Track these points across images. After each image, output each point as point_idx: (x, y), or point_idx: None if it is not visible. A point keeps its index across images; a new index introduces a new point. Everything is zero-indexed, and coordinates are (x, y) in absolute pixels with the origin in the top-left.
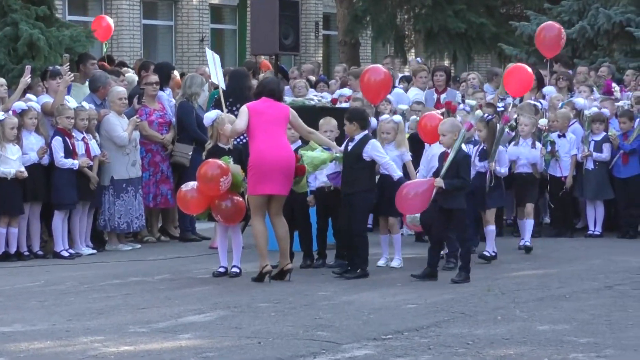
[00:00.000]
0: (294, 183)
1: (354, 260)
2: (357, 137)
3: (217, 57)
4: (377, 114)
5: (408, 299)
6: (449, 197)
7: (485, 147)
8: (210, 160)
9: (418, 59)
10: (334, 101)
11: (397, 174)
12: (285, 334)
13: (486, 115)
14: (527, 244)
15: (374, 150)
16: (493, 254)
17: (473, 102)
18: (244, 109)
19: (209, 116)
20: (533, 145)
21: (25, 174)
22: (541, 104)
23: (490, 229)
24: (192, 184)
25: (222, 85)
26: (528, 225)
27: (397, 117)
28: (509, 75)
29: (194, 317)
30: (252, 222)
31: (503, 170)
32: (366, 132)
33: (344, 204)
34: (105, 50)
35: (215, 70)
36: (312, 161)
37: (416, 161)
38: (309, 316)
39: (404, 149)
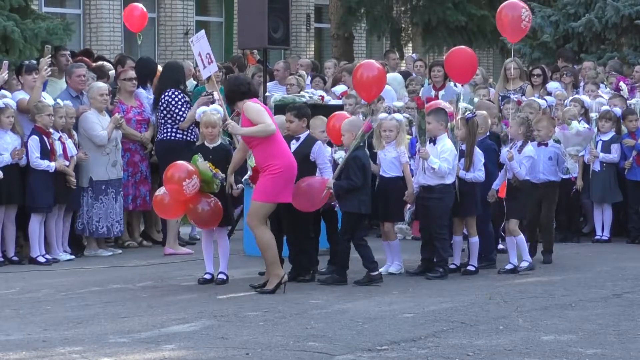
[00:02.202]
0: None
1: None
2: (303, 136)
3: (203, 40)
4: (372, 113)
5: (405, 308)
6: (343, 199)
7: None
8: (177, 162)
9: (414, 55)
10: (322, 98)
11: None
12: (274, 345)
13: (467, 113)
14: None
15: (322, 152)
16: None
17: (475, 99)
18: (257, 105)
19: (199, 111)
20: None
21: (1, 174)
22: (546, 101)
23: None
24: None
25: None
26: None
27: (399, 116)
28: (449, 61)
29: (178, 326)
30: (258, 231)
31: (479, 174)
32: (309, 131)
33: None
34: (139, 41)
35: (201, 60)
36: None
37: None
38: (300, 326)
39: (402, 149)
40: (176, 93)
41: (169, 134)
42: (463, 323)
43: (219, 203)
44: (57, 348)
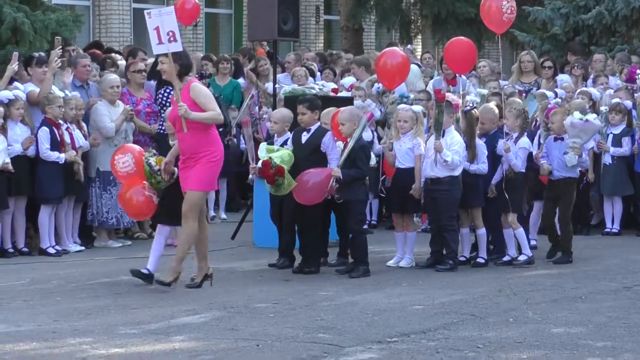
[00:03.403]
0: (275, 187)
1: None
2: (313, 128)
3: (169, 16)
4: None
5: (414, 300)
6: (346, 188)
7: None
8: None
9: (409, 46)
10: (335, 91)
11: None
12: (284, 336)
13: (466, 106)
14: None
15: (332, 143)
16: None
17: (484, 92)
18: (207, 89)
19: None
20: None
21: (11, 166)
22: (556, 93)
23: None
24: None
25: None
26: (507, 236)
27: (417, 107)
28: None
29: (188, 318)
30: (192, 223)
31: (482, 166)
32: (320, 122)
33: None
34: (194, 29)
35: (158, 35)
36: (282, 159)
37: None
38: (310, 317)
39: (418, 141)
40: (168, 91)
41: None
42: (473, 315)
43: (152, 200)
44: (67, 339)
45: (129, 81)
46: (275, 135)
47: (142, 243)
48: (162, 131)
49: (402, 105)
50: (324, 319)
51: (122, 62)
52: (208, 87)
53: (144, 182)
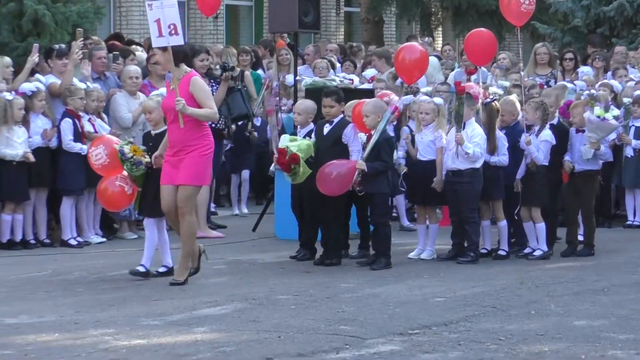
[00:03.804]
0: (292, 175)
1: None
2: (336, 120)
3: (172, 9)
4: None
5: (436, 292)
6: (370, 180)
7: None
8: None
9: (427, 39)
10: (351, 82)
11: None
12: (306, 328)
13: (486, 98)
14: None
15: (354, 135)
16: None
17: (506, 84)
18: (206, 85)
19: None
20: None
21: (32, 157)
22: (576, 85)
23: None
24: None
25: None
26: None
27: (439, 100)
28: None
29: (210, 309)
30: (191, 218)
31: (503, 158)
32: (343, 114)
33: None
34: (214, 21)
35: (159, 27)
36: (299, 147)
37: None
38: (331, 309)
39: (440, 133)
40: None
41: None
42: (494, 307)
43: (126, 189)
44: (89, 330)
45: (150, 73)
46: (299, 127)
47: None
48: None
49: (424, 97)
50: (345, 310)
51: (140, 54)
52: (235, 79)
53: (122, 172)
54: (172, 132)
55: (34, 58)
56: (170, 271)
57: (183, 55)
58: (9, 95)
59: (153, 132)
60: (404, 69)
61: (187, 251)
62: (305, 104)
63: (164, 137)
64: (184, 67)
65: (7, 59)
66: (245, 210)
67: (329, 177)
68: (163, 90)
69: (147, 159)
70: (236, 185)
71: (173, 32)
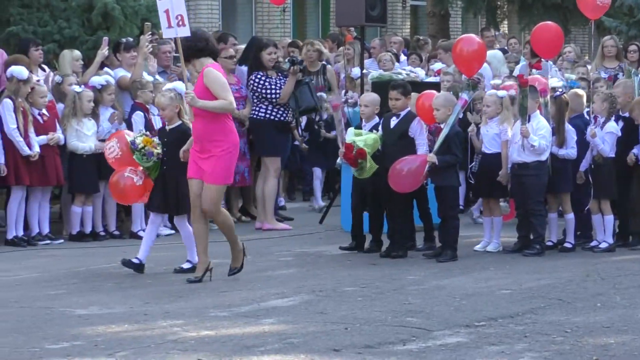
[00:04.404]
0: (359, 170)
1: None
2: (403, 113)
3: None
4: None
5: (502, 284)
6: (441, 173)
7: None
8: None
9: (500, 32)
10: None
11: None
12: (373, 320)
13: (556, 91)
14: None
15: (420, 128)
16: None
17: (572, 77)
18: (221, 77)
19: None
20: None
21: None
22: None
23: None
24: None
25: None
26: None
27: (502, 92)
28: (536, 36)
29: (277, 301)
30: (221, 217)
31: (571, 151)
32: (409, 108)
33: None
34: (282, 15)
35: (168, 18)
36: (365, 142)
37: None
38: (398, 301)
39: (505, 126)
40: (259, 76)
41: (255, 112)
42: (560, 300)
43: (135, 180)
44: (158, 321)
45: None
46: (364, 120)
47: None
48: (253, 115)
49: (491, 91)
50: (412, 302)
51: None
52: (302, 73)
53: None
54: (195, 126)
55: (104, 51)
56: (193, 268)
57: (198, 49)
58: (78, 88)
59: (167, 128)
60: (462, 60)
61: (231, 240)
62: (372, 96)
63: (177, 132)
64: (204, 60)
65: (77, 52)
66: (321, 203)
67: (401, 173)
68: (177, 84)
69: (159, 151)
70: (317, 178)
71: (180, 23)
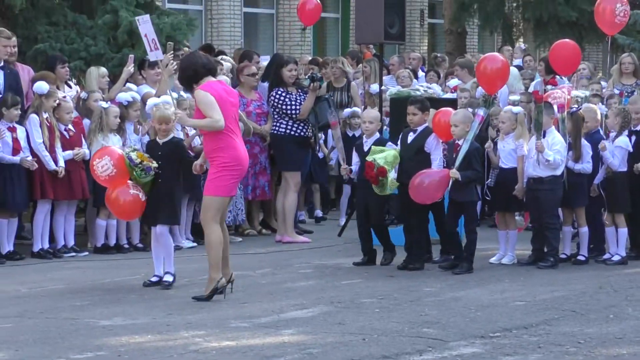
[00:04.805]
0: (380, 187)
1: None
2: (420, 129)
3: (147, 24)
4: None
5: (516, 296)
6: (462, 189)
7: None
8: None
9: (522, 45)
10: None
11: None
12: (390, 331)
13: (572, 107)
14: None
15: (435, 143)
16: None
17: (583, 94)
18: (208, 96)
19: (149, 104)
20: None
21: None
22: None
23: (583, 230)
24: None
25: (158, 57)
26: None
27: (517, 109)
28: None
29: (297, 312)
30: (208, 229)
31: (587, 166)
32: (427, 123)
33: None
34: (302, 33)
35: (148, 42)
36: (386, 159)
37: None
38: (415, 313)
39: (521, 142)
40: (279, 92)
41: (276, 128)
42: (574, 311)
43: (137, 195)
44: (180, 332)
45: (241, 83)
46: (365, 136)
47: (252, 239)
48: (274, 131)
49: (507, 107)
50: (428, 314)
51: (227, 64)
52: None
53: (129, 181)
54: (203, 143)
55: (129, 68)
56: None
57: (188, 78)
58: (104, 104)
59: (161, 141)
60: (485, 78)
61: (210, 263)
62: (375, 113)
63: (171, 145)
64: (202, 81)
65: (103, 69)
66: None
67: (422, 185)
68: (166, 98)
69: (155, 165)
70: (346, 194)
71: (155, 47)
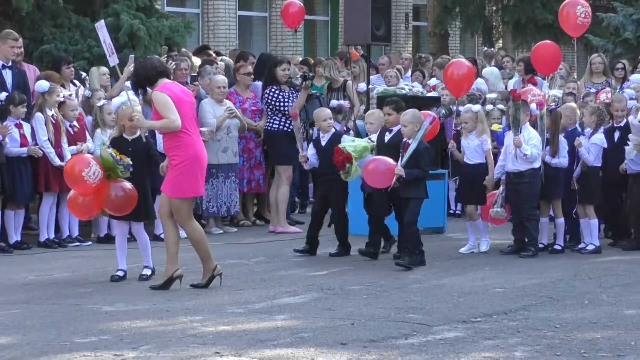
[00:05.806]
0: (345, 173)
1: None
2: (395, 129)
3: (103, 30)
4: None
5: (496, 283)
6: (407, 186)
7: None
8: (76, 155)
9: (486, 48)
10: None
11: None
12: (377, 316)
13: (551, 105)
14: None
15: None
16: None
17: (559, 93)
18: (165, 97)
19: (115, 102)
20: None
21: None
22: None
23: (559, 221)
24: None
25: (115, 61)
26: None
27: (476, 107)
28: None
29: (289, 298)
30: (188, 228)
31: (563, 160)
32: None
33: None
34: (294, 34)
35: (106, 47)
36: (355, 148)
37: None
38: (400, 299)
39: (484, 137)
40: (273, 90)
41: (269, 124)
42: (551, 298)
43: (131, 188)
44: (179, 317)
45: (237, 82)
46: (368, 133)
47: (246, 230)
48: (267, 127)
49: (467, 106)
50: (413, 300)
51: (221, 63)
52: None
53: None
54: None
55: (130, 68)
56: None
57: (141, 81)
58: (99, 102)
59: (130, 138)
60: (452, 82)
61: (201, 256)
62: (377, 114)
63: (140, 142)
64: (157, 84)
65: (103, 68)
66: None
67: (376, 170)
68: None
69: (130, 162)
70: None
71: (111, 52)
